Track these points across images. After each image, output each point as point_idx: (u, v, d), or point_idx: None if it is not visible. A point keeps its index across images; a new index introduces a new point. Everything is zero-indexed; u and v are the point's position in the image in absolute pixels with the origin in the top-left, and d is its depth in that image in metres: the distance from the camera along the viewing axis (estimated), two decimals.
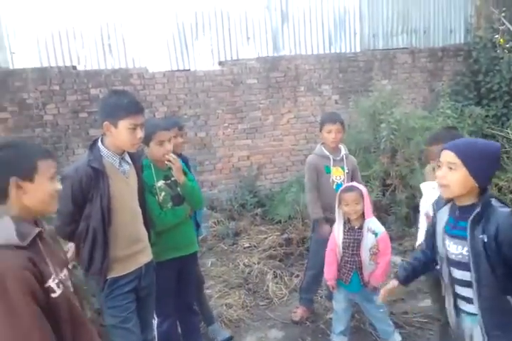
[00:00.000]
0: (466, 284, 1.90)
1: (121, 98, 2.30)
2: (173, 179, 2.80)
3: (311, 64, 6.42)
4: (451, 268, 1.96)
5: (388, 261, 3.02)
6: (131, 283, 2.42)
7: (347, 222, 3.03)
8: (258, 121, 6.24)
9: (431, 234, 2.16)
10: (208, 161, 6.07)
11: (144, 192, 2.60)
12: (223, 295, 4.03)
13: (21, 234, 1.45)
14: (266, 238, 5.06)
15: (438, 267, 2.12)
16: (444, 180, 1.87)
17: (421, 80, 7.05)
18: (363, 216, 2.97)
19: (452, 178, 1.85)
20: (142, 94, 5.59)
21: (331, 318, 3.41)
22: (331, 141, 3.44)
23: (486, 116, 6.36)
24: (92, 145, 2.38)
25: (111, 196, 2.31)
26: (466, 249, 1.87)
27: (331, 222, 3.22)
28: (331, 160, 3.46)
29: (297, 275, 4.28)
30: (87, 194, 2.27)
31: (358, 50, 6.75)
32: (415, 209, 4.24)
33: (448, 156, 1.87)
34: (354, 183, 3.17)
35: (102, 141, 2.37)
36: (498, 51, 6.76)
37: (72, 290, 1.65)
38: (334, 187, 3.41)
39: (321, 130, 3.51)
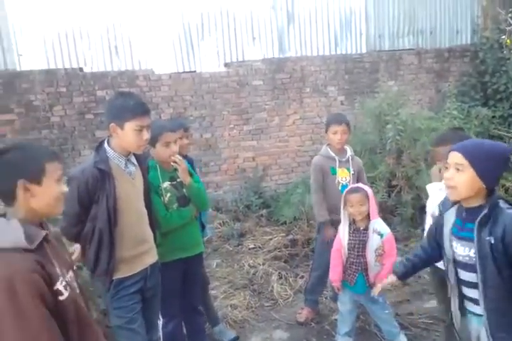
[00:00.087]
0: (473, 285, 1.90)
1: (128, 100, 2.32)
2: (178, 180, 2.81)
3: (317, 65, 6.42)
4: (459, 270, 1.96)
5: (394, 262, 2.99)
6: (136, 283, 2.43)
7: (352, 223, 3.02)
8: (264, 122, 6.25)
9: (433, 232, 2.16)
10: (213, 162, 6.08)
11: (150, 193, 2.61)
12: (228, 296, 4.03)
13: (29, 236, 1.45)
14: (271, 239, 5.06)
15: (444, 268, 2.12)
16: (451, 182, 1.87)
17: (427, 81, 7.03)
18: (368, 217, 2.96)
19: (460, 180, 1.84)
20: (148, 96, 5.62)
21: (336, 319, 3.41)
22: (336, 142, 3.44)
23: (493, 116, 6.34)
24: (99, 147, 2.40)
25: (117, 197, 2.32)
26: (473, 250, 1.86)
27: (336, 223, 3.21)
28: (337, 162, 3.46)
29: (302, 277, 4.28)
30: (93, 195, 2.28)
31: (364, 51, 6.74)
32: (421, 211, 4.23)
33: (455, 157, 1.86)
34: (359, 184, 3.16)
35: (108, 143, 2.38)
36: (505, 52, 6.74)
37: (78, 291, 1.66)
38: (340, 188, 3.41)
39: (326, 131, 3.50)
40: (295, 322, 3.62)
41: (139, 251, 2.44)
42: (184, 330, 3.07)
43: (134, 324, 2.39)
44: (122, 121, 2.28)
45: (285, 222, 5.37)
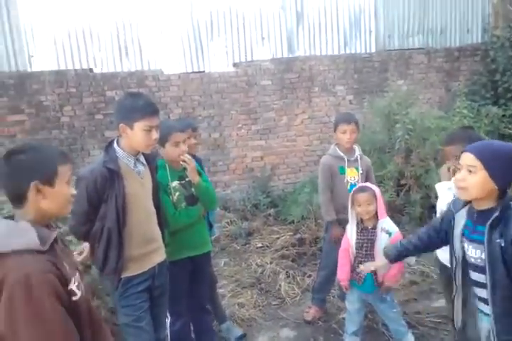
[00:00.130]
0: (484, 286, 1.90)
1: (137, 100, 2.34)
2: (187, 179, 2.83)
3: (326, 64, 6.41)
4: (470, 271, 1.96)
5: (402, 261, 3.00)
6: (144, 282, 2.45)
7: (360, 222, 3.02)
8: (272, 121, 6.25)
9: (438, 224, 2.19)
10: (221, 162, 6.10)
11: (158, 192, 2.64)
12: (236, 295, 4.05)
13: (42, 238, 1.44)
14: (278, 238, 5.07)
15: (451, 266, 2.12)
16: (463, 183, 1.86)
17: (437, 80, 6.98)
18: (376, 216, 2.96)
19: (472, 181, 1.83)
20: (157, 96, 5.65)
21: (343, 318, 3.41)
22: (345, 142, 3.44)
23: (503, 115, 6.29)
24: (108, 147, 2.42)
25: (126, 196, 2.34)
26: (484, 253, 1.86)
27: (344, 222, 3.21)
28: (346, 161, 3.46)
29: (310, 275, 4.28)
30: (102, 194, 2.31)
31: (373, 50, 6.71)
32: (430, 210, 4.21)
33: (467, 159, 1.85)
34: (367, 184, 3.16)
35: (117, 143, 2.41)
36: None
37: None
38: (348, 187, 3.40)
39: (335, 130, 3.50)
40: (302, 321, 3.63)
41: (148, 249, 2.46)
42: (192, 329, 3.09)
43: (142, 322, 2.41)
44: (131, 121, 2.30)
45: (293, 221, 5.37)
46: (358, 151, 3.54)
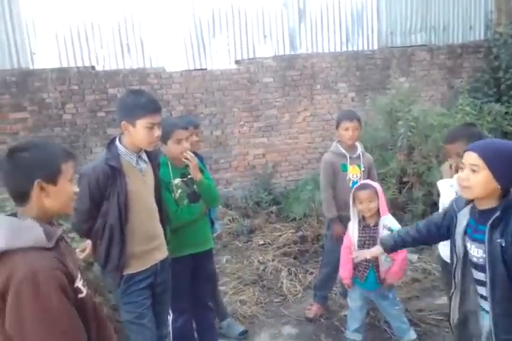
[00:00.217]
0: (485, 284, 1.90)
1: (139, 97, 2.34)
2: (189, 177, 2.83)
3: (328, 62, 6.40)
4: (473, 270, 1.96)
5: (404, 257, 3.01)
6: (147, 279, 2.46)
7: (362, 220, 3.02)
8: (274, 119, 6.25)
9: (439, 219, 2.17)
10: (223, 159, 6.10)
11: (160, 189, 2.64)
12: (237, 292, 4.06)
13: (48, 234, 1.44)
14: (280, 235, 5.07)
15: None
16: (466, 182, 1.85)
17: (439, 77, 6.96)
18: (378, 214, 2.96)
19: (475, 180, 1.82)
20: (159, 94, 5.65)
21: (345, 315, 3.42)
22: (347, 139, 3.43)
23: (506, 113, 6.25)
24: (110, 144, 2.42)
25: (128, 193, 2.34)
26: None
27: (347, 220, 3.21)
28: (348, 158, 3.46)
29: (311, 273, 4.28)
30: (104, 192, 2.31)
31: (376, 47, 6.70)
32: (433, 207, 4.21)
33: (470, 158, 1.84)
34: (368, 181, 3.16)
35: (119, 140, 2.41)
36: None
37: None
38: (350, 185, 3.40)
39: (337, 127, 3.49)
40: (304, 318, 3.63)
41: (150, 246, 2.47)
42: (194, 326, 3.10)
43: (144, 319, 2.43)
44: (134, 118, 2.31)
45: (295, 219, 5.37)
46: (360, 148, 3.54)
